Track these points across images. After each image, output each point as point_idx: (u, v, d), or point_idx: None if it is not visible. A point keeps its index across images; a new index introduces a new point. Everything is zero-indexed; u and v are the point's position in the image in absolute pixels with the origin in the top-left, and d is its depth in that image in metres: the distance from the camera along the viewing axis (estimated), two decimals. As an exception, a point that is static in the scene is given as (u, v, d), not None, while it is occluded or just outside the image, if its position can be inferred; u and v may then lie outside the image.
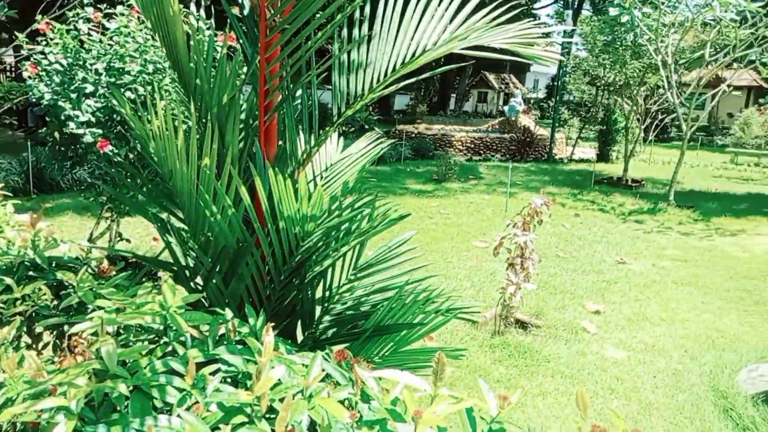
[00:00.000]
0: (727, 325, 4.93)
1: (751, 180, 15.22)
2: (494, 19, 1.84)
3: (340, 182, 2.11)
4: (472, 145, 16.84)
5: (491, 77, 31.61)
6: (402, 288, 1.86)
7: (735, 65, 10.45)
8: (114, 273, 1.81)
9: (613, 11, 10.02)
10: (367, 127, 16.42)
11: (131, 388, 1.27)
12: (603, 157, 16.85)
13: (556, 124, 17.69)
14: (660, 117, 15.34)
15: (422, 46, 1.88)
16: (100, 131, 3.98)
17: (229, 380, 1.36)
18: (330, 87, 1.99)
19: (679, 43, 10.64)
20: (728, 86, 10.62)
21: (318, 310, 1.91)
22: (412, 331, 1.77)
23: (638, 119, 13.74)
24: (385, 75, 1.83)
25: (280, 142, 1.87)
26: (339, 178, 2.16)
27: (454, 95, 32.91)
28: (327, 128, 1.89)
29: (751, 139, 19.65)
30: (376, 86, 1.82)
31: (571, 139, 18.63)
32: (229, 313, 1.43)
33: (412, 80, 1.91)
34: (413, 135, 16.66)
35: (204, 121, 1.82)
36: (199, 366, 1.34)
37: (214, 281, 1.66)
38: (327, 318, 1.90)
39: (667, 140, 24.55)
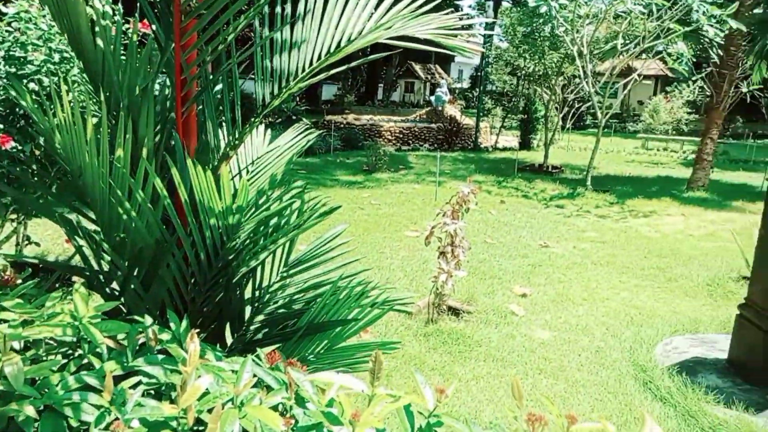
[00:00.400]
0: (643, 302, 5.23)
1: (660, 164, 16.26)
2: (418, 8, 1.82)
3: (268, 176, 2.03)
4: (401, 135, 16.95)
5: (417, 67, 31.94)
6: (336, 283, 1.81)
7: (644, 55, 11.07)
8: (20, 281, 1.65)
9: (531, 2, 10.34)
10: (294, 117, 16.16)
11: (41, 408, 1.15)
12: (525, 145, 17.46)
13: (481, 114, 18.13)
14: (576, 105, 16.06)
15: (347, 35, 1.83)
16: (0, 126, 3.65)
17: (152, 393, 1.27)
18: (254, 76, 1.90)
19: (593, 34, 11.15)
20: (638, 75, 11.25)
21: (248, 310, 1.83)
22: (347, 327, 1.73)
23: (557, 108, 14.32)
24: (311, 64, 1.76)
25: (202, 136, 1.77)
26: (266, 172, 2.08)
27: (382, 85, 33.01)
28: (252, 119, 1.80)
29: (660, 125, 20.98)
30: (302, 75, 1.76)
31: (495, 128, 19.16)
32: (148, 319, 1.34)
33: (339, 69, 1.86)
34: (342, 125, 16.56)
35: (115, 113, 1.69)
36: (119, 379, 1.24)
37: (132, 286, 1.55)
38: (258, 319, 1.83)
39: (584, 128, 25.78)
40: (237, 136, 1.70)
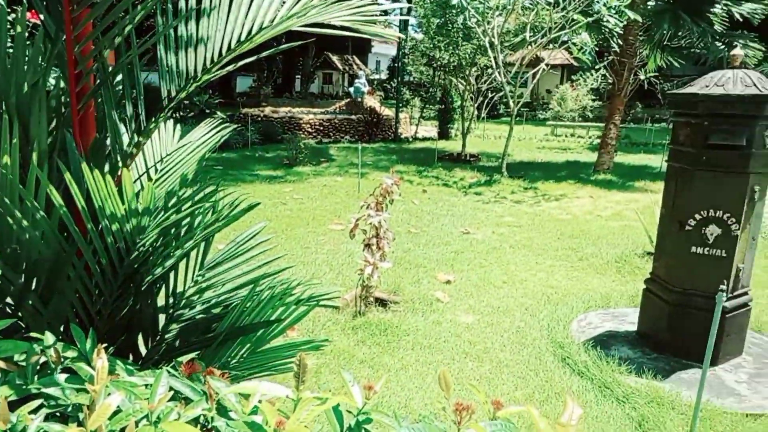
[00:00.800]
0: (558, 281, 5.48)
1: (568, 149, 17.11)
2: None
3: (179, 174, 1.92)
4: (321, 127, 16.79)
5: (335, 58, 31.71)
6: (257, 283, 1.75)
7: (551, 46, 11.56)
8: None
9: (444, -6, 10.51)
10: (208, 111, 15.60)
11: None
12: (444, 134, 17.81)
13: (400, 105, 18.30)
14: (490, 95, 16.56)
15: (259, 23, 1.75)
16: None
17: (57, 415, 1.16)
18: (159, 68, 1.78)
19: (503, 26, 11.50)
20: (546, 65, 11.74)
21: (162, 318, 1.73)
22: (271, 328, 1.68)
23: (472, 98, 14.71)
24: (220, 54, 1.68)
25: (100, 134, 1.64)
26: (177, 170, 1.97)
27: (299, 77, 32.53)
28: (158, 114, 1.69)
29: (567, 112, 22.06)
30: (211, 66, 1.66)
31: (414, 118, 19.42)
32: (50, 336, 1.23)
33: (252, 59, 1.78)
34: (259, 118, 16.16)
35: (0, 112, 1.53)
36: (19, 404, 1.13)
37: (29, 301, 1.41)
38: (174, 327, 1.73)
39: (497, 116, 26.69)
40: (141, 132, 1.59)
